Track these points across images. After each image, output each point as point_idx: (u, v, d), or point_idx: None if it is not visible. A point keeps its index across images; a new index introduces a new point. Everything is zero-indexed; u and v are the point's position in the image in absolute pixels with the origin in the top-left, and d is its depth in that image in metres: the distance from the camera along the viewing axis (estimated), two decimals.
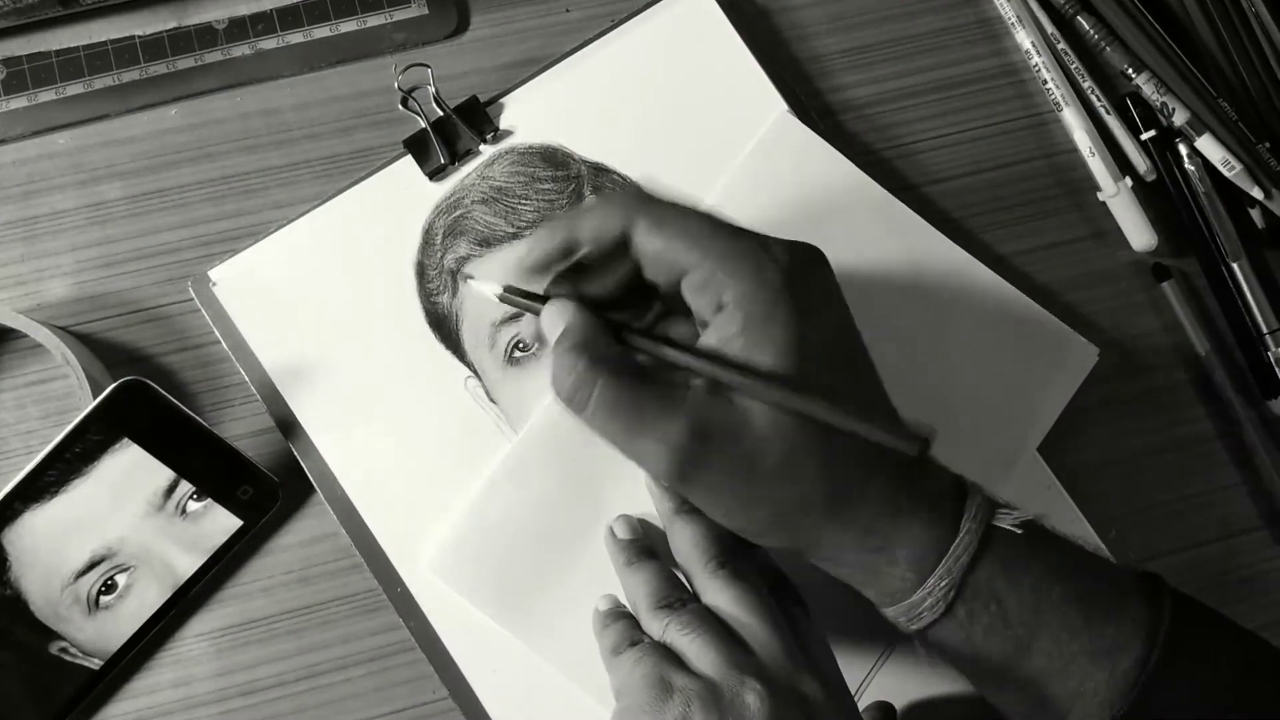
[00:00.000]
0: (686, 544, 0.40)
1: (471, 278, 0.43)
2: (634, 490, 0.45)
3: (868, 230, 0.49)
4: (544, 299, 0.38)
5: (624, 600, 0.42)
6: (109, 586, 0.43)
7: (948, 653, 0.37)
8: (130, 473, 0.43)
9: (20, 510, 0.42)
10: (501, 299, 0.40)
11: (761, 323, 0.34)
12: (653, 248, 0.35)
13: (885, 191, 0.49)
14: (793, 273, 0.35)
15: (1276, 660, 0.37)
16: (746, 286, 0.34)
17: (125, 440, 0.43)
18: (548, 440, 0.46)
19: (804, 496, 0.35)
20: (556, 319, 0.37)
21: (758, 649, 0.36)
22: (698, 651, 0.36)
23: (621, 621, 0.40)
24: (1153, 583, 0.37)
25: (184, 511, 0.44)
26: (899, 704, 0.45)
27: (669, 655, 0.37)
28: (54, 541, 0.42)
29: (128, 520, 0.43)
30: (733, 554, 0.39)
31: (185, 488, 0.44)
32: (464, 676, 0.45)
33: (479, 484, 0.45)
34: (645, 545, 0.43)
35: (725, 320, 0.35)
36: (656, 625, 0.38)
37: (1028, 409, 0.48)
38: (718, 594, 0.38)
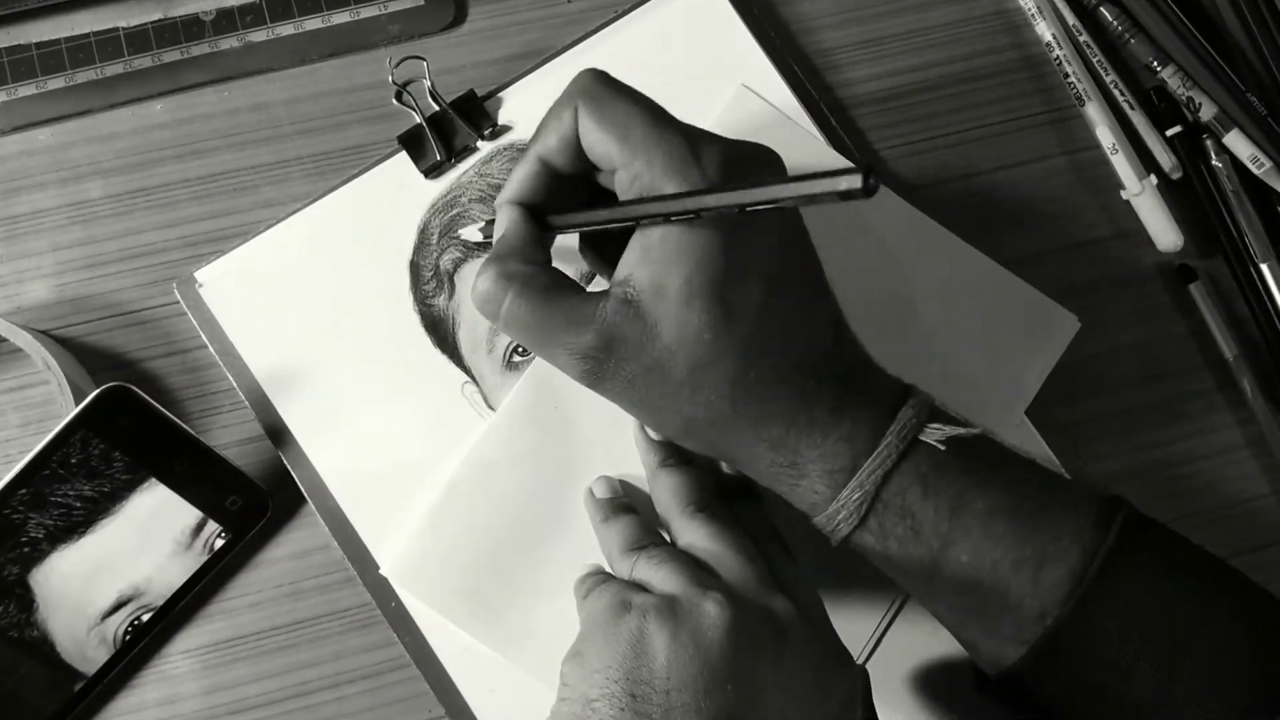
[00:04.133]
0: (667, 493, 0.41)
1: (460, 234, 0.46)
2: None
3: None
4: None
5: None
6: (136, 627, 0.44)
7: (871, 561, 0.38)
8: (158, 512, 0.44)
9: (48, 551, 0.43)
10: (485, 234, 0.42)
11: (678, 232, 0.34)
12: (589, 139, 0.36)
13: (849, 164, 0.49)
14: (727, 179, 0.35)
15: (1236, 585, 0.38)
16: (668, 183, 0.34)
17: (152, 480, 0.43)
18: (511, 438, 0.46)
19: (710, 407, 0.36)
20: (497, 229, 0.39)
21: (726, 574, 0.37)
22: (663, 576, 0.37)
23: (595, 575, 0.41)
24: (1111, 502, 0.38)
25: (212, 550, 0.44)
26: (904, 668, 0.46)
27: (632, 584, 0.38)
28: (81, 582, 0.43)
29: (155, 559, 0.44)
30: (713, 501, 0.40)
31: (213, 526, 0.44)
32: (461, 695, 0.45)
33: (438, 486, 0.45)
34: (623, 502, 0.44)
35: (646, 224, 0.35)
36: (625, 565, 0.39)
37: (1008, 380, 0.48)
38: (693, 533, 0.39)
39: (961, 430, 0.37)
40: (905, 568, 0.37)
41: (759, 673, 0.34)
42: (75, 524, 0.43)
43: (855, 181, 0.26)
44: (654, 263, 0.35)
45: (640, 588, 0.37)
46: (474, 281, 0.37)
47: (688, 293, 0.34)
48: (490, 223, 0.42)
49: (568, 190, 0.39)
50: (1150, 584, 0.36)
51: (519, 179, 0.38)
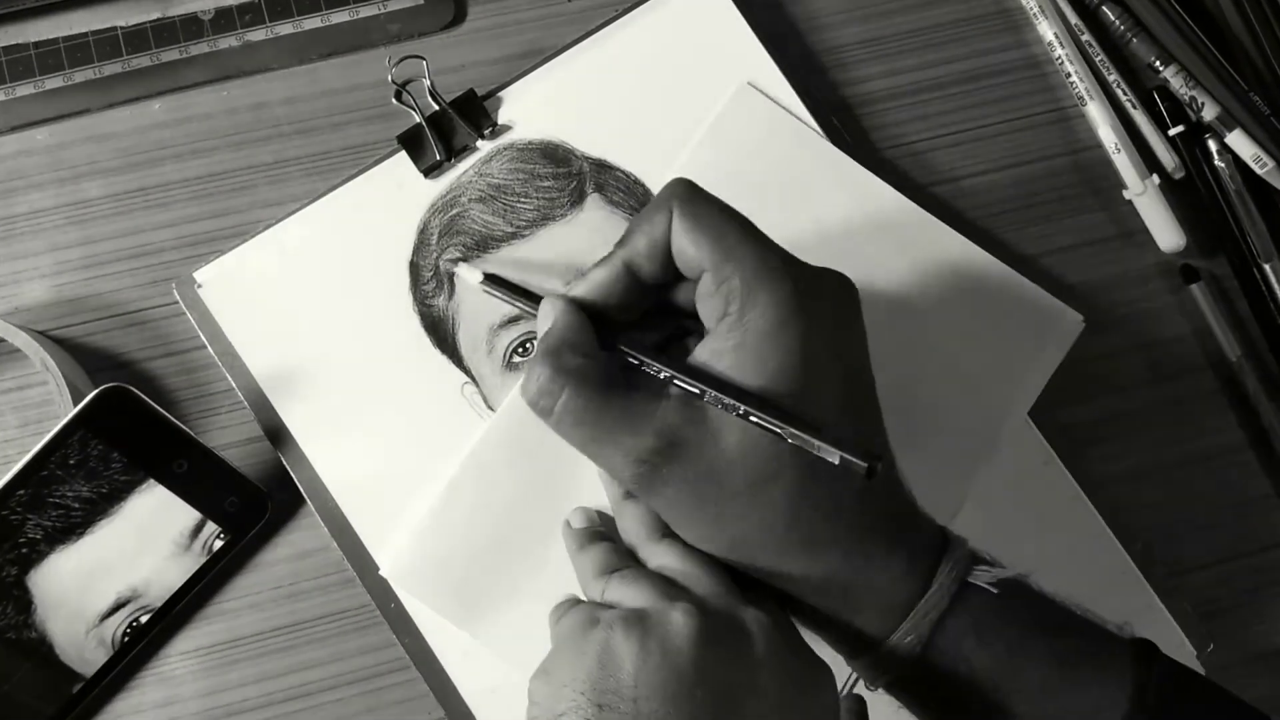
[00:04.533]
0: (633, 522, 0.40)
1: (459, 263, 0.43)
2: (600, 488, 0.45)
3: (834, 199, 0.49)
4: (528, 294, 0.39)
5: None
6: (134, 629, 0.44)
7: (914, 707, 0.37)
8: (156, 513, 0.43)
9: (46, 552, 0.43)
10: (484, 288, 0.41)
11: (758, 341, 0.34)
12: (682, 240, 0.35)
13: (855, 163, 0.50)
14: (807, 297, 0.35)
15: None
16: (756, 299, 0.34)
17: (151, 481, 0.43)
18: (510, 440, 0.46)
19: (765, 527, 0.35)
20: (545, 318, 0.37)
21: (697, 588, 0.36)
22: (633, 594, 0.36)
23: (567, 602, 0.40)
24: (1145, 648, 0.37)
25: (211, 551, 0.44)
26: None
27: (602, 605, 0.37)
28: (80, 584, 0.43)
29: (154, 561, 0.44)
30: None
31: (212, 527, 0.44)
32: (461, 697, 0.45)
33: (438, 487, 0.45)
34: (598, 531, 0.43)
35: (724, 330, 0.35)
36: (597, 588, 0.38)
37: (1013, 380, 0.48)
38: (662, 556, 0.38)
39: (1009, 572, 0.36)
40: (955, 715, 0.36)
41: (732, 681, 0.33)
42: (74, 525, 0.43)
43: (860, 467, 0.33)
44: (724, 369, 0.34)
45: (611, 608, 0.37)
46: (526, 376, 0.36)
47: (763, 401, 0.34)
48: (490, 276, 0.41)
49: (634, 301, 0.38)
50: None
51: (599, 282, 0.37)
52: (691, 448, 0.34)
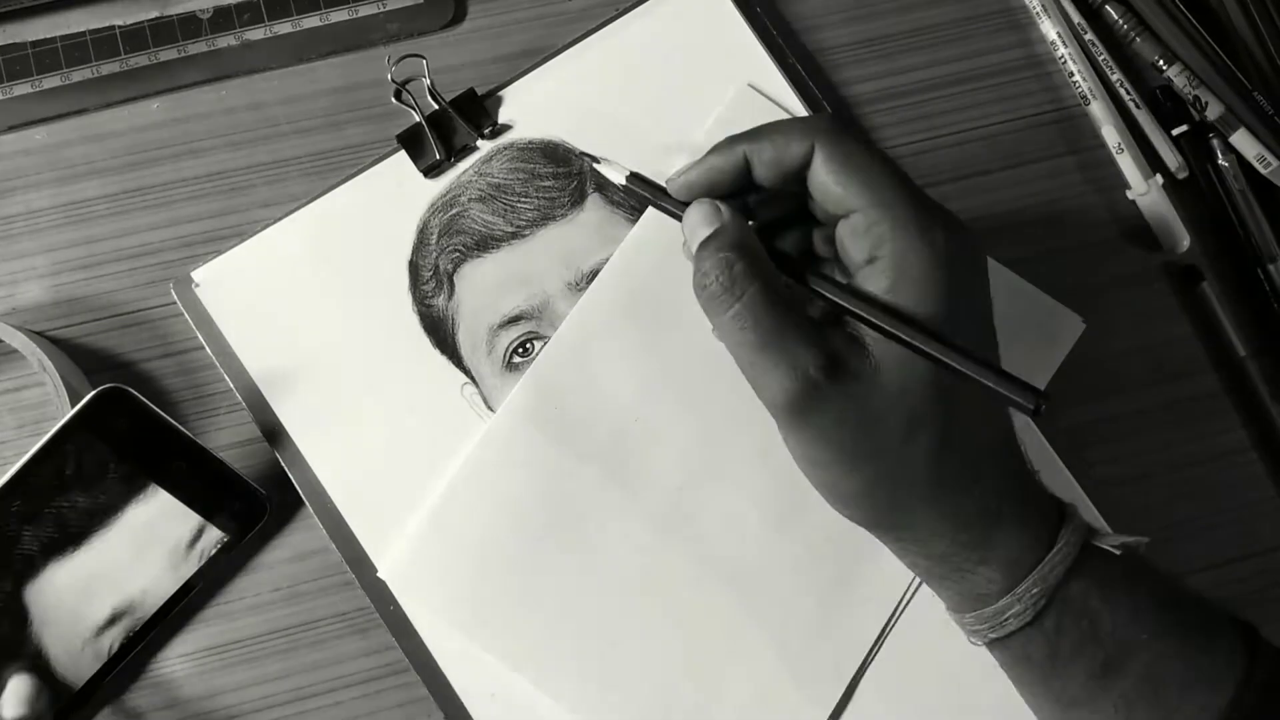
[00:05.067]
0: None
1: (596, 160, 0.41)
2: (600, 488, 0.45)
3: None
4: (670, 197, 0.38)
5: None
6: (130, 640, 0.44)
7: (1023, 665, 0.37)
8: (153, 525, 0.43)
9: (42, 565, 0.42)
10: (626, 188, 0.39)
11: (912, 285, 0.34)
12: (828, 178, 0.35)
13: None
14: (957, 248, 0.35)
15: None
16: (908, 245, 0.34)
17: (151, 488, 0.43)
18: (509, 441, 0.46)
19: (911, 467, 0.35)
20: (705, 220, 0.36)
21: None
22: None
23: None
24: (1249, 628, 0.37)
25: (207, 560, 0.44)
26: (914, 660, 0.45)
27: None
28: (76, 596, 0.43)
29: (150, 572, 0.44)
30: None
31: (209, 538, 0.44)
32: (460, 701, 0.45)
33: (438, 488, 0.45)
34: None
35: (874, 273, 0.35)
36: None
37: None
38: None
39: (1130, 539, 0.36)
40: (1068, 673, 0.36)
41: None
42: (70, 537, 0.43)
43: (1029, 402, 0.33)
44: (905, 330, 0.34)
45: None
46: (710, 262, 0.35)
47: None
48: (634, 175, 0.39)
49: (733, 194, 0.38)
50: None
51: (715, 166, 0.37)
52: (855, 376, 0.34)
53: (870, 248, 0.35)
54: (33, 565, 0.42)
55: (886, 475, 0.35)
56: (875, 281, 0.35)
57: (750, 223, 0.37)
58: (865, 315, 0.34)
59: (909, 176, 0.36)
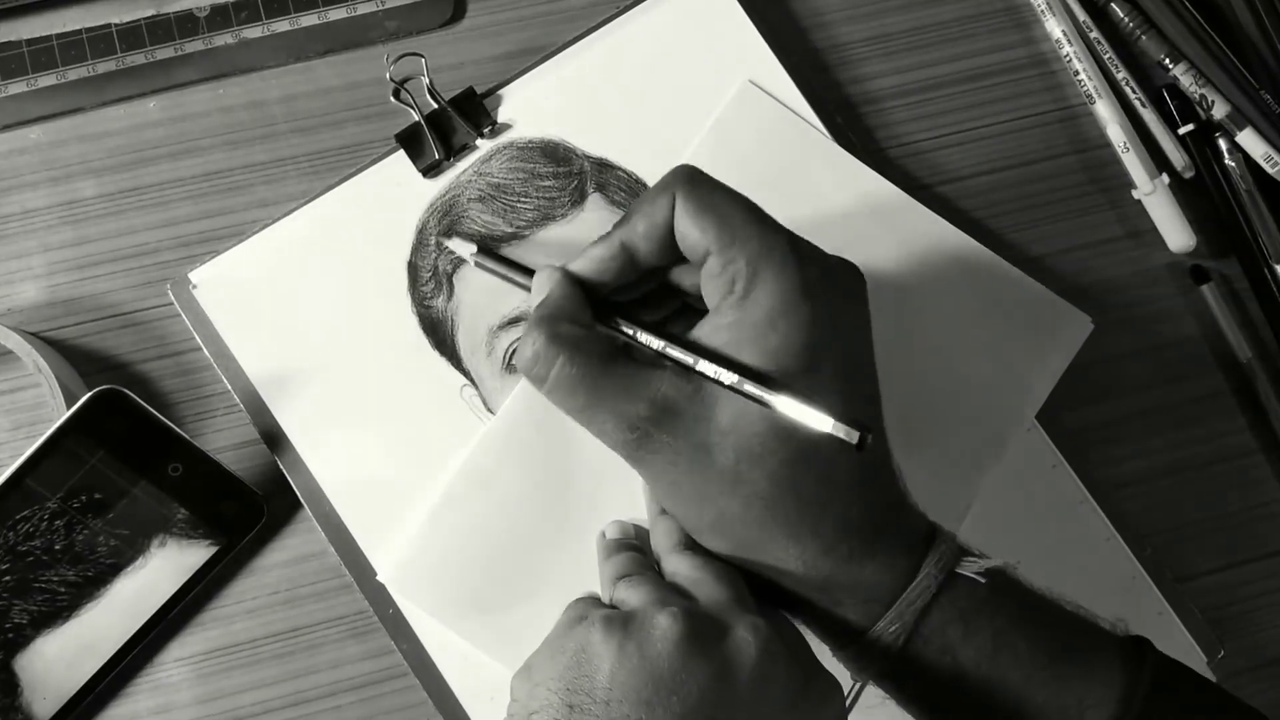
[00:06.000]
0: (662, 535, 0.40)
1: (448, 237, 0.44)
2: (600, 490, 0.45)
3: (838, 199, 0.49)
4: (522, 268, 0.40)
5: None
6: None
7: (902, 701, 0.37)
8: (140, 595, 0.44)
9: (32, 636, 0.43)
10: (476, 263, 0.41)
11: (760, 320, 0.34)
12: (686, 224, 0.36)
13: (859, 162, 0.50)
14: (819, 281, 0.35)
15: None
16: (762, 279, 0.34)
17: (139, 561, 0.43)
18: (509, 443, 0.46)
19: (747, 504, 0.35)
20: (540, 288, 0.38)
21: (700, 594, 0.36)
22: (633, 595, 0.36)
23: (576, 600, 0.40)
24: (1136, 644, 0.37)
25: None
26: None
27: (597, 601, 0.37)
28: (65, 666, 0.43)
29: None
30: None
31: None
32: (460, 704, 0.45)
33: (437, 490, 0.45)
34: (629, 543, 0.43)
35: (727, 308, 0.35)
36: (608, 592, 0.38)
37: (1021, 382, 0.48)
38: (678, 563, 0.38)
39: (995, 562, 0.36)
40: (941, 711, 0.37)
41: (714, 690, 0.32)
42: (60, 609, 0.43)
43: (851, 437, 0.33)
44: (723, 345, 0.35)
45: (604, 603, 0.37)
46: (521, 342, 0.36)
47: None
48: (483, 249, 0.42)
49: (631, 282, 0.38)
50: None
51: (596, 258, 0.37)
52: (684, 418, 0.35)
53: (726, 286, 0.35)
54: (23, 637, 0.43)
55: (725, 511, 0.35)
56: (726, 316, 0.35)
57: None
58: (673, 351, 0.35)
59: (766, 214, 0.36)
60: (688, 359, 0.35)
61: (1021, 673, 0.35)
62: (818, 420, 0.33)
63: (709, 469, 0.35)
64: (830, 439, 0.34)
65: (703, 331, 0.36)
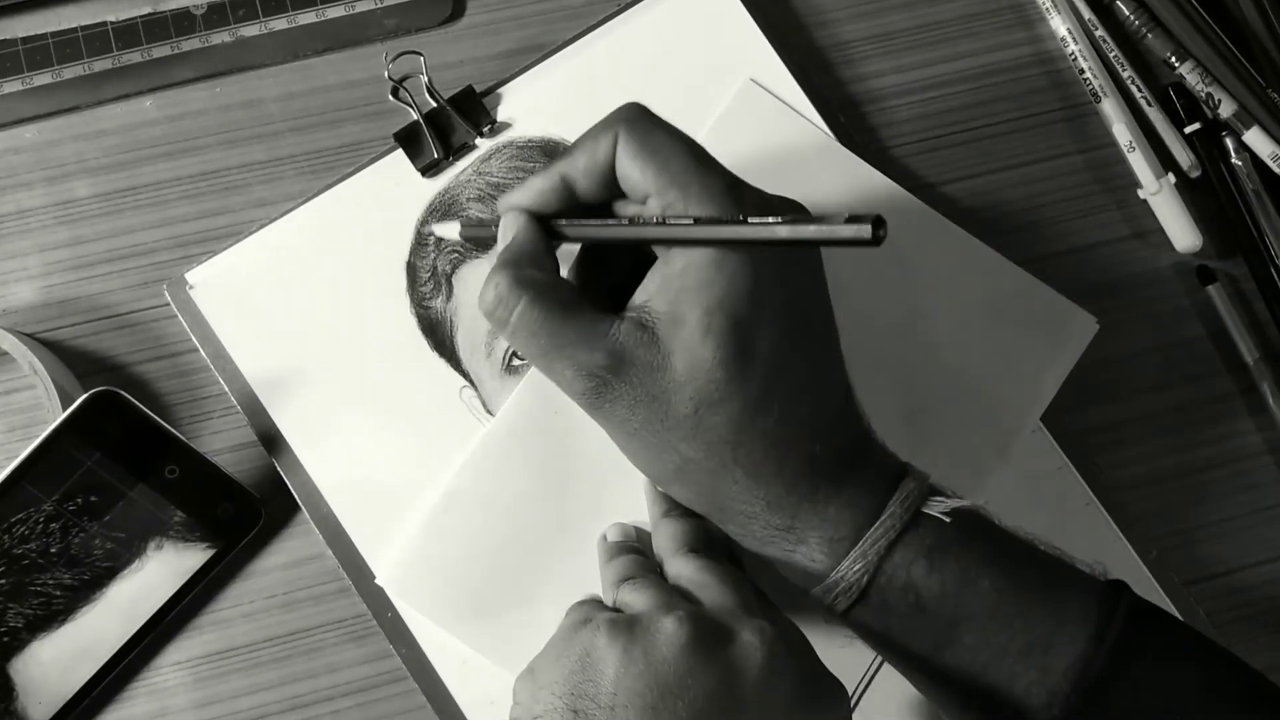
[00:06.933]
0: (665, 538, 0.40)
1: (435, 223, 0.45)
2: (602, 492, 0.45)
3: (841, 199, 0.49)
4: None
5: None
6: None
7: (868, 639, 0.37)
8: (137, 599, 0.44)
9: (27, 640, 0.43)
10: (462, 234, 0.41)
11: (704, 265, 0.34)
12: (627, 165, 0.36)
13: (862, 161, 0.50)
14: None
15: (1245, 676, 0.37)
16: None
17: (135, 564, 0.43)
18: (509, 445, 0.46)
19: (709, 450, 0.35)
20: (505, 233, 0.38)
21: (705, 598, 0.36)
22: (638, 599, 0.36)
23: (578, 603, 0.40)
24: (1113, 586, 0.37)
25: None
26: (905, 694, 0.44)
27: (601, 605, 0.37)
28: (61, 670, 0.43)
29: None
30: (709, 546, 0.40)
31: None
32: (459, 709, 0.45)
33: (436, 493, 0.45)
34: (630, 545, 0.43)
35: (670, 255, 0.35)
36: (610, 595, 0.39)
37: (1026, 383, 0.48)
38: (682, 566, 0.38)
39: (965, 503, 0.36)
40: (906, 649, 0.37)
41: (719, 694, 0.33)
42: (55, 613, 0.43)
43: (864, 233, 0.30)
44: (675, 292, 0.35)
45: (612, 610, 0.37)
46: (485, 285, 0.36)
47: (705, 326, 0.34)
48: (469, 222, 0.42)
49: (577, 215, 0.38)
50: (1158, 673, 0.35)
51: (536, 189, 0.38)
52: (641, 366, 0.35)
53: None
54: (19, 641, 0.43)
55: (688, 458, 0.36)
56: (670, 264, 0.35)
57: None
58: (626, 235, 0.35)
59: (710, 158, 0.36)
60: (660, 232, 0.35)
61: (986, 607, 0.35)
62: (817, 229, 0.31)
63: (668, 417, 0.35)
64: (798, 377, 0.34)
65: (651, 282, 0.36)
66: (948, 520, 0.36)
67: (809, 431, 0.36)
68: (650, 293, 0.35)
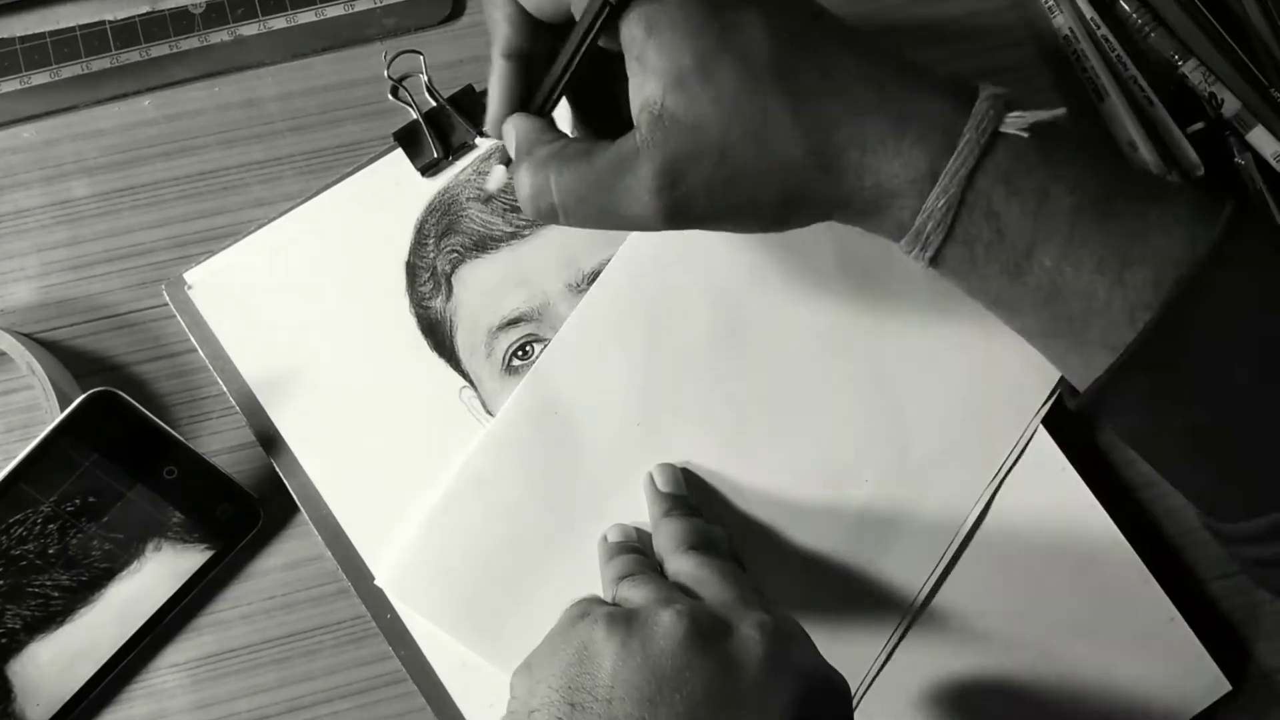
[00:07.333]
0: (665, 537, 0.40)
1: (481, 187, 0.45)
2: (601, 493, 0.45)
3: None
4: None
5: None
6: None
7: (955, 277, 0.36)
8: (135, 600, 0.43)
9: (25, 641, 0.43)
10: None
11: (662, 33, 0.33)
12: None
13: None
14: (716, 38, 0.33)
15: None
16: (655, 42, 0.33)
17: (134, 565, 0.43)
18: (509, 446, 0.46)
19: (787, 168, 0.34)
20: (509, 138, 0.38)
21: (704, 593, 0.36)
22: (636, 594, 0.36)
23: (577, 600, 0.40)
24: (1214, 196, 0.34)
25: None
26: (909, 690, 0.45)
27: (600, 600, 0.37)
28: (59, 671, 0.43)
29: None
30: (709, 544, 0.40)
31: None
32: (459, 711, 0.45)
33: (435, 494, 0.45)
34: (630, 544, 0.43)
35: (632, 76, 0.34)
36: (610, 591, 0.38)
37: (1027, 385, 0.48)
38: (682, 563, 0.38)
39: (1044, 114, 0.34)
40: (988, 279, 0.35)
41: (717, 688, 0.32)
42: (54, 614, 0.43)
43: None
44: (655, 66, 0.33)
45: (611, 606, 0.37)
46: (517, 192, 0.36)
47: (704, 67, 0.33)
48: (502, 156, 0.41)
49: (546, 43, 0.38)
50: (1256, 283, 0.33)
51: (499, 34, 0.37)
52: (687, 143, 0.33)
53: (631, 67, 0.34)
54: (16, 642, 0.43)
55: (782, 184, 0.34)
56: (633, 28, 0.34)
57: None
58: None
59: None
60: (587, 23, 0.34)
61: (1066, 225, 0.34)
62: None
63: (740, 160, 0.34)
64: (803, 54, 0.34)
65: (634, 81, 0.34)
66: (1025, 136, 0.34)
67: (860, 79, 0.34)
68: (639, 91, 0.34)
